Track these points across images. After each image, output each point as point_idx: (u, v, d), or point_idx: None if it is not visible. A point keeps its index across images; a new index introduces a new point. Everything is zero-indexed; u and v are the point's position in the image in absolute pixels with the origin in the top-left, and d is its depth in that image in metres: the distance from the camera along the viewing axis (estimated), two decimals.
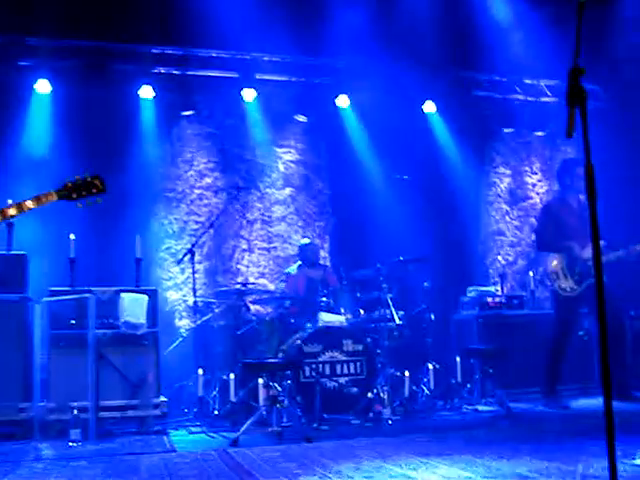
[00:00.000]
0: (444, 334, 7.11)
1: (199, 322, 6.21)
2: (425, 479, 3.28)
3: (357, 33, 6.95)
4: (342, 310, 6.08)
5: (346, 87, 7.83)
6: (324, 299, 6.07)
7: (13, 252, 5.36)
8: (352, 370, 5.73)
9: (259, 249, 7.65)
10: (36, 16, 6.44)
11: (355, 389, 5.69)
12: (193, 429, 5.39)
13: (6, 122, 6.76)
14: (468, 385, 6.18)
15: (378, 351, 5.95)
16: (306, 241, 7.05)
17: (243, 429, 4.71)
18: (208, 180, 7.61)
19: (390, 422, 5.35)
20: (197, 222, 7.44)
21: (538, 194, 8.70)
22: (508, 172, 8.69)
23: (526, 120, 8.57)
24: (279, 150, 7.91)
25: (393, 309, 6.05)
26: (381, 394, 5.54)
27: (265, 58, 7.65)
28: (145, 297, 5.49)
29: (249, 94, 7.57)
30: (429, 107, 8.17)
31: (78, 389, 5.05)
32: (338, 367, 5.70)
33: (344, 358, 5.74)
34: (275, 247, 7.71)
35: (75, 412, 4.86)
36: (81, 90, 6.91)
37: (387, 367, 5.91)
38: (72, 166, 5.98)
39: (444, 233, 7.77)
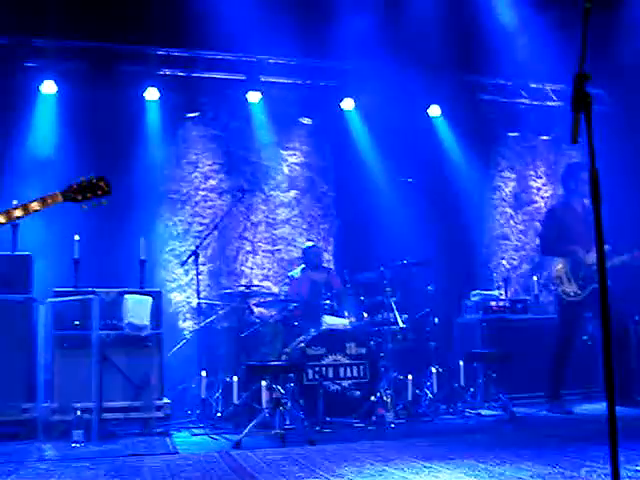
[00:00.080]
0: (447, 338, 7.10)
1: (203, 324, 6.22)
2: None
3: (363, 36, 6.94)
4: (345, 313, 6.08)
5: (351, 90, 7.83)
6: (327, 302, 6.06)
7: (18, 253, 5.36)
8: (355, 373, 5.73)
9: (263, 251, 7.65)
10: (42, 17, 6.46)
11: (358, 392, 5.68)
12: (196, 431, 5.40)
13: (12, 123, 6.77)
14: (471, 389, 6.16)
15: (381, 354, 5.95)
16: (310, 244, 7.05)
17: (246, 431, 4.72)
18: (213, 182, 7.61)
19: (393, 426, 5.35)
20: (201, 224, 7.44)
21: (543, 198, 8.69)
22: (513, 176, 8.68)
23: (531, 124, 8.56)
24: (284, 152, 7.92)
25: (397, 312, 6.05)
26: (384, 397, 5.54)
27: (271, 60, 7.67)
28: (149, 298, 5.50)
29: (254, 96, 7.58)
30: (434, 110, 8.16)
31: (81, 390, 5.05)
32: (341, 370, 5.70)
33: (347, 361, 5.73)
34: (279, 249, 7.71)
35: (78, 413, 4.87)
36: (87, 91, 6.92)
37: (390, 370, 5.91)
38: (77, 167, 6.00)
39: (448, 236, 7.76)
